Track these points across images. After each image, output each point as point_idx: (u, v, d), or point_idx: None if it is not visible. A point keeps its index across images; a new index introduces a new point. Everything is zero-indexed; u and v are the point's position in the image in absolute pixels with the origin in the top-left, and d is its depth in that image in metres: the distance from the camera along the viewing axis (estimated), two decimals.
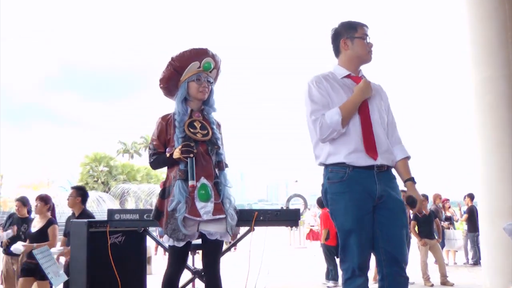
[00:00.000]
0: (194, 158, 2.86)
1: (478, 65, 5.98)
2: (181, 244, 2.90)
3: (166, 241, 2.96)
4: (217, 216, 2.92)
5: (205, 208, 2.88)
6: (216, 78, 3.26)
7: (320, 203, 8.81)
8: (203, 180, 2.93)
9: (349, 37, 2.79)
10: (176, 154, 2.89)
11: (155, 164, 3.05)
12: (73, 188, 5.65)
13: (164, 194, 2.97)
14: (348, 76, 2.80)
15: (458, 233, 10.47)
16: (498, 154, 5.66)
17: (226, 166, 3.13)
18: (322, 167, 2.75)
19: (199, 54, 3.07)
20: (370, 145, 2.63)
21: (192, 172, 2.84)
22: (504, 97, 5.67)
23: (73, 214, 5.51)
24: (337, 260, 8.13)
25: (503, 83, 5.71)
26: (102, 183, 43.26)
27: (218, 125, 3.20)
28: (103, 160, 44.28)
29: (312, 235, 15.53)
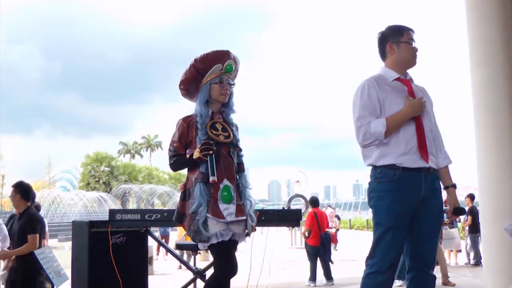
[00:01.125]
0: (214, 155, 2.86)
1: (479, 65, 5.97)
2: (226, 238, 2.85)
3: (201, 246, 2.92)
4: (239, 218, 2.91)
5: (228, 210, 2.87)
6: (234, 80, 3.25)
7: (313, 203, 8.76)
8: (225, 182, 2.92)
9: (395, 41, 2.82)
10: (196, 153, 2.88)
11: (175, 166, 3.03)
12: (12, 186, 4.97)
13: (185, 196, 2.96)
14: (398, 79, 2.82)
15: (455, 231, 10.42)
16: (499, 154, 5.65)
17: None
18: (370, 168, 2.80)
19: (222, 56, 3.07)
20: (423, 148, 2.68)
21: (213, 168, 2.83)
22: (505, 97, 5.66)
23: (19, 214, 4.83)
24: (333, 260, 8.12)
25: (504, 83, 5.70)
26: (104, 183, 43.27)
27: (236, 127, 3.18)
28: (104, 160, 44.28)
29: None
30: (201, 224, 2.80)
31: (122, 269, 4.03)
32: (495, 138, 5.72)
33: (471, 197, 10.26)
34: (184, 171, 3.10)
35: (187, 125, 3.03)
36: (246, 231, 3.00)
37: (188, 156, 2.96)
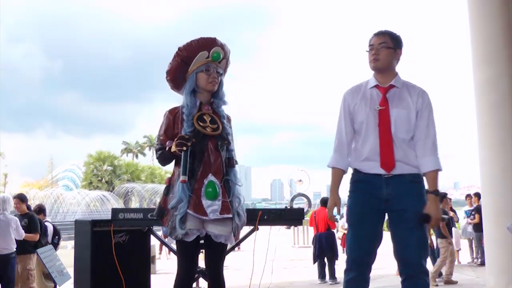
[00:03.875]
0: (188, 151, 2.72)
1: (482, 64, 5.96)
2: (191, 238, 2.74)
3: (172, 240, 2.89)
4: (224, 216, 2.77)
5: (212, 207, 2.74)
6: (225, 70, 3.11)
7: (321, 202, 9.04)
8: (210, 177, 2.79)
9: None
10: (173, 147, 2.76)
11: (161, 160, 2.91)
12: (17, 197, 6.09)
13: (168, 191, 2.85)
14: (376, 87, 2.84)
15: (455, 231, 10.40)
16: (502, 153, 5.64)
17: (236, 163, 2.98)
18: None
19: (208, 43, 2.94)
20: (385, 156, 2.72)
21: (185, 166, 2.69)
22: (508, 96, 5.66)
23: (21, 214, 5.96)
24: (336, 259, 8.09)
25: (507, 82, 5.69)
26: (106, 182, 43.26)
27: (228, 119, 3.04)
28: (107, 160, 44.27)
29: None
30: (179, 221, 2.70)
31: (124, 268, 4.03)
32: (498, 137, 5.71)
33: (478, 195, 10.21)
34: None
35: (173, 117, 2.91)
36: (232, 230, 2.85)
37: (167, 149, 2.82)
